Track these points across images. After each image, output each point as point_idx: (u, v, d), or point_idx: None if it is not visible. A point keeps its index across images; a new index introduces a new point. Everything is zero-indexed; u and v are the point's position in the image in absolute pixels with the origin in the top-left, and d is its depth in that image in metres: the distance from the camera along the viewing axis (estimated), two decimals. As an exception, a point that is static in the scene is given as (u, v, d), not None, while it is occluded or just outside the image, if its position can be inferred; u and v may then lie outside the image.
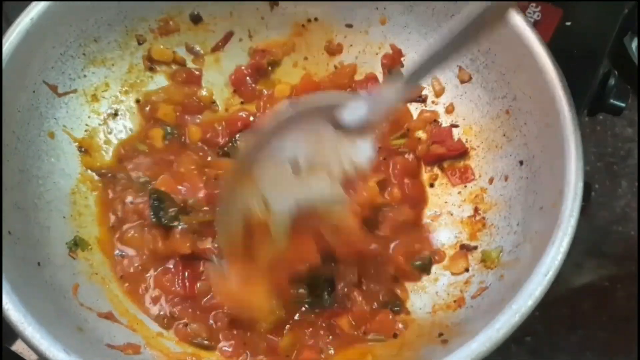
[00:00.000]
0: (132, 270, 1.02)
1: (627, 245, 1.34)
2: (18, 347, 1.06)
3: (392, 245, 1.06)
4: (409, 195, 1.12)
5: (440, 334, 0.90)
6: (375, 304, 1.00)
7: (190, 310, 0.99)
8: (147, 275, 1.02)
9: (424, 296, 1.01)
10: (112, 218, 1.07)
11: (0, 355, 1.04)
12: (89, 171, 1.09)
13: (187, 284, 1.00)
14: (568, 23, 1.26)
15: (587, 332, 1.28)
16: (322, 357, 0.94)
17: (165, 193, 1.06)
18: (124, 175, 1.11)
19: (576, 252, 1.32)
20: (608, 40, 1.26)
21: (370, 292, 1.01)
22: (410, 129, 1.18)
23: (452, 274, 1.02)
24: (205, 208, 1.06)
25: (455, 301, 0.97)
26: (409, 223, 1.09)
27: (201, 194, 1.07)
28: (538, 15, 1.27)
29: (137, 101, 1.18)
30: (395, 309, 1.00)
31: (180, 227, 1.03)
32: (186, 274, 1.01)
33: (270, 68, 1.25)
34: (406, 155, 1.15)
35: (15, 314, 0.76)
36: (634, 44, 1.45)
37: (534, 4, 1.28)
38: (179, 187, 1.07)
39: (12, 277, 0.80)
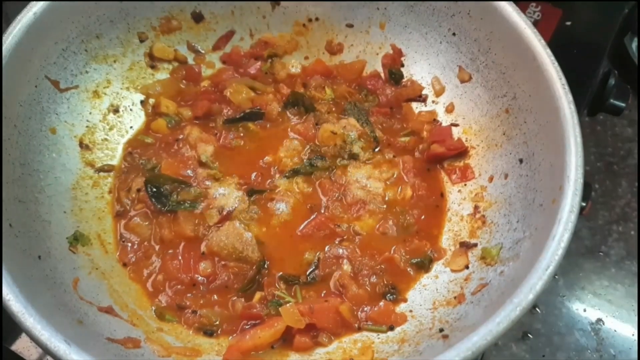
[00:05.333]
0: (136, 257, 1.03)
1: (627, 245, 1.34)
2: (18, 346, 1.06)
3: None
4: (420, 195, 1.12)
5: (441, 330, 0.90)
6: (369, 287, 1.01)
7: (197, 297, 1.00)
8: (152, 261, 1.02)
9: (425, 293, 1.01)
10: (117, 207, 1.08)
11: (0, 355, 1.03)
12: (89, 168, 1.10)
13: (192, 265, 1.01)
14: (568, 23, 1.27)
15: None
16: (318, 340, 0.95)
17: (162, 177, 1.07)
18: (129, 165, 1.13)
19: (576, 252, 1.33)
20: (608, 40, 1.26)
21: (365, 283, 1.01)
22: (416, 128, 1.19)
23: (452, 271, 1.02)
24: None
25: (455, 297, 0.97)
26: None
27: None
28: (538, 15, 1.28)
29: (142, 102, 1.19)
30: (391, 297, 1.00)
31: (183, 208, 1.04)
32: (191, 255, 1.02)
33: (269, 61, 1.26)
34: (416, 154, 1.16)
35: (16, 305, 0.76)
36: (634, 44, 1.46)
37: (534, 4, 1.29)
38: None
39: (13, 269, 0.81)
